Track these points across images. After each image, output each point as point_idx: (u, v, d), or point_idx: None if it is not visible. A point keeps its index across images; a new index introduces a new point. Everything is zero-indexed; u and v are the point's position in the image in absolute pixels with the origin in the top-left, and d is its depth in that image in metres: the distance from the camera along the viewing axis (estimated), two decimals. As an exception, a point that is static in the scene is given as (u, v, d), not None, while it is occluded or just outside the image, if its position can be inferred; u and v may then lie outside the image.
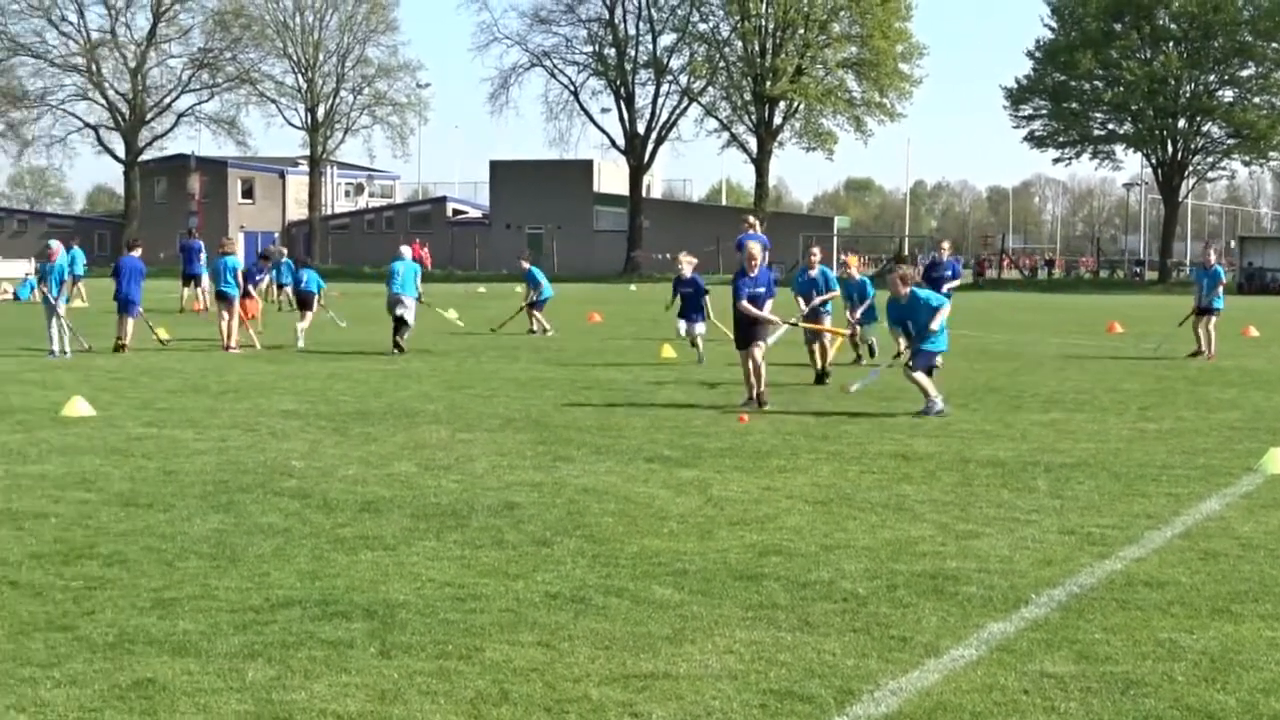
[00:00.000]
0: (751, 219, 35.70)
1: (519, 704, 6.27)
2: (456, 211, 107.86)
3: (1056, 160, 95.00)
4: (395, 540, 9.58)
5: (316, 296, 29.60)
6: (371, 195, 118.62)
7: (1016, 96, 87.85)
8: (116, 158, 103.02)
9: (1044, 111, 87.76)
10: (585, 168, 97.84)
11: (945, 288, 23.49)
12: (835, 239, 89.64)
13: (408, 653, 7.08)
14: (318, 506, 10.99)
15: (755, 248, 18.52)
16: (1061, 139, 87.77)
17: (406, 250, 29.64)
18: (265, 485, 11.90)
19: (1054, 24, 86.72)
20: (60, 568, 8.85)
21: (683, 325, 24.28)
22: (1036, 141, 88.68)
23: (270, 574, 8.71)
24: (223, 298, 27.83)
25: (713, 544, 9.72)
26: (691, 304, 24.31)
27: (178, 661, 6.90)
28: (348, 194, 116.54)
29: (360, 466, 12.95)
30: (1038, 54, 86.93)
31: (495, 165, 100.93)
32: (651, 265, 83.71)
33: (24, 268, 59.49)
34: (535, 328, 32.16)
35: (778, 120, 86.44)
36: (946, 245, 25.85)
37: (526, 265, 33.45)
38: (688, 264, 24.57)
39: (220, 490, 11.66)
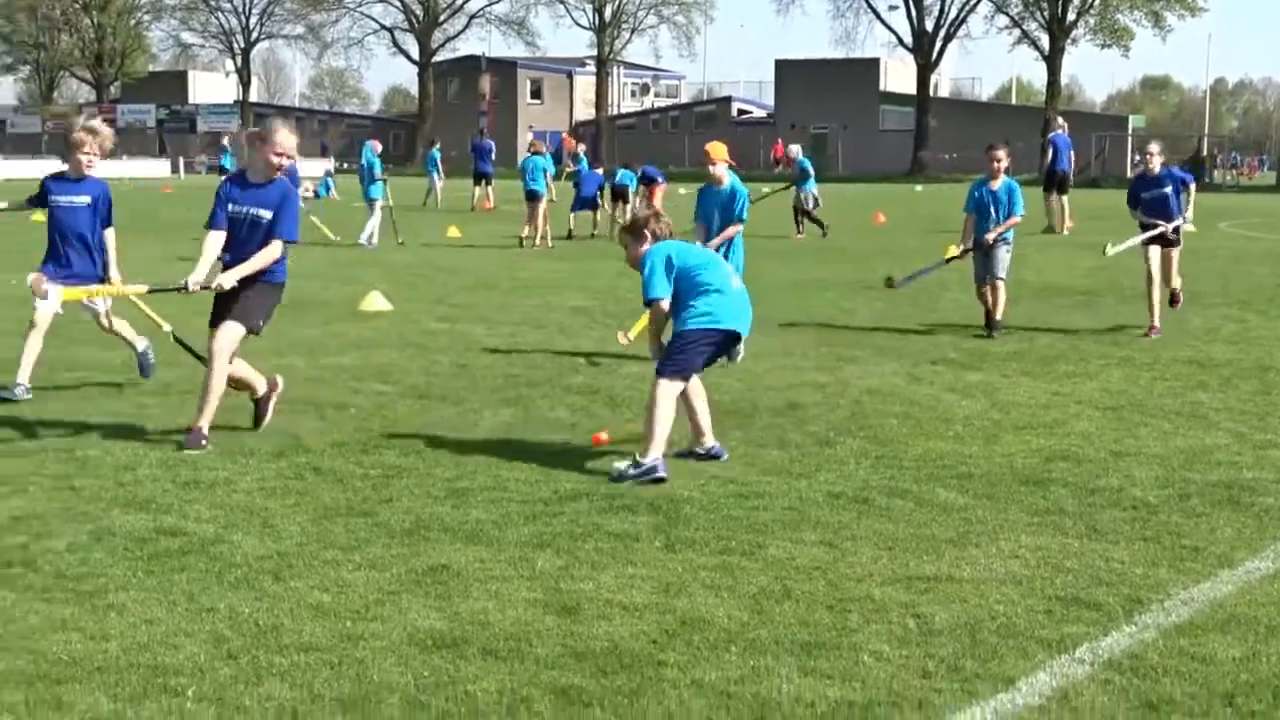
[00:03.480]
0: (1060, 119, 35.34)
1: (801, 601, 6.31)
2: (741, 111, 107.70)
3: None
4: (680, 436, 9.68)
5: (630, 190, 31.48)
6: (657, 95, 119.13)
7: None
8: (411, 59, 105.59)
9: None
10: (871, 66, 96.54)
11: (1180, 219, 15.72)
12: (1130, 139, 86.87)
13: (692, 547, 7.18)
14: (604, 402, 11.17)
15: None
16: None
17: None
18: (554, 381, 12.14)
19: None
20: (360, 456, 9.19)
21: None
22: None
23: (559, 467, 8.90)
24: (532, 196, 28.70)
25: (998, 448, 9.59)
26: None
27: (470, 549, 7.12)
28: (633, 94, 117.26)
29: (646, 363, 13.10)
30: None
31: (781, 64, 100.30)
32: (939, 166, 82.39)
33: (324, 166, 61.38)
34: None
35: (1071, 16, 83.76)
36: (1155, 149, 16.11)
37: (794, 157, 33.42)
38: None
39: (510, 385, 11.94)
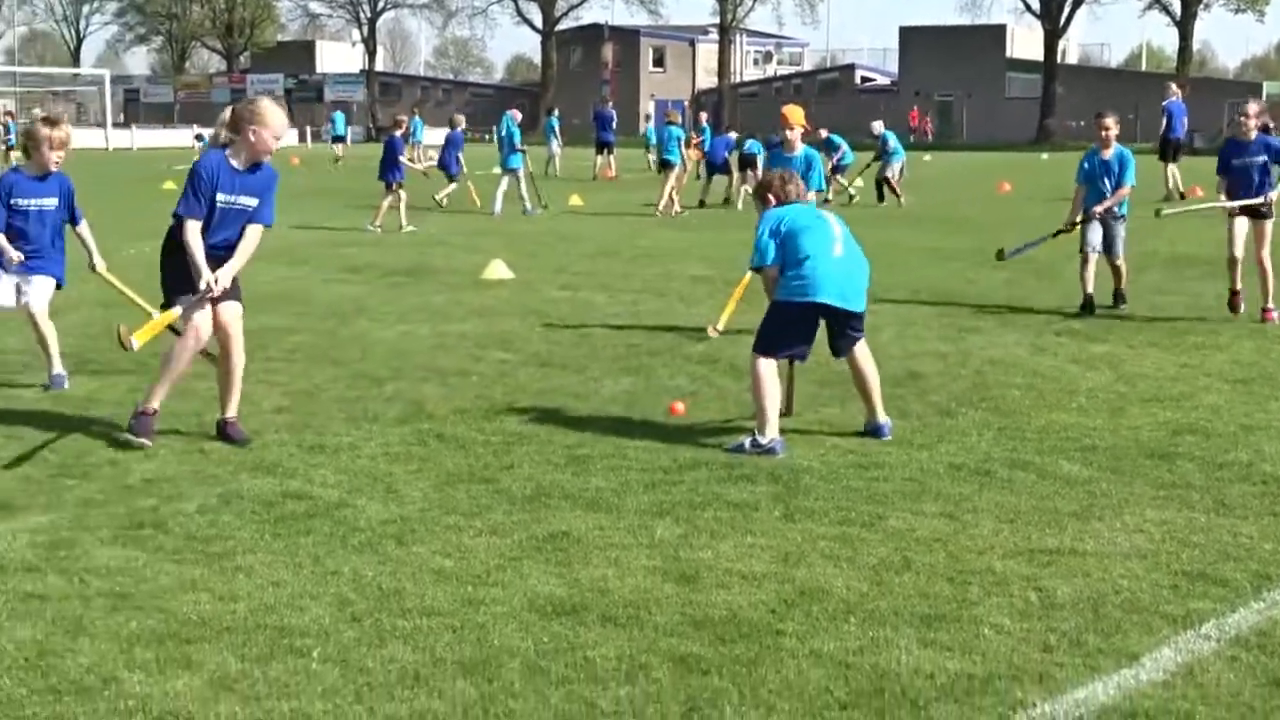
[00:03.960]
0: (1174, 85, 35.02)
1: (921, 572, 6.28)
2: (865, 79, 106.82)
3: None
4: (800, 406, 9.65)
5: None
6: (780, 63, 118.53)
7: None
8: (534, 28, 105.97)
9: None
10: (997, 33, 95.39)
11: (1271, 193, 13.98)
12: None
13: (811, 517, 7.16)
14: (725, 371, 11.17)
15: None
16: None
17: None
18: (674, 349, 12.15)
19: None
20: (481, 423, 9.27)
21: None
22: None
23: (679, 436, 8.92)
24: (666, 165, 29.25)
25: (1124, 420, 9.47)
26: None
27: (590, 516, 7.16)
28: (756, 62, 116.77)
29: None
30: None
31: (905, 31, 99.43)
32: (1066, 133, 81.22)
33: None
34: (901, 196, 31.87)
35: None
36: (1253, 110, 14.15)
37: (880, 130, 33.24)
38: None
39: (631, 353, 11.97)
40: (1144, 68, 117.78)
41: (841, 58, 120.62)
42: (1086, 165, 14.80)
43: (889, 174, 31.75)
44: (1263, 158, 13.98)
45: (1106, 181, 14.61)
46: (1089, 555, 6.54)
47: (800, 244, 8.69)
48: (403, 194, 25.19)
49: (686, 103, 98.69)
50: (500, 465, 8.18)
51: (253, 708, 4.82)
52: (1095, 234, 14.54)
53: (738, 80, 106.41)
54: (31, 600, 5.85)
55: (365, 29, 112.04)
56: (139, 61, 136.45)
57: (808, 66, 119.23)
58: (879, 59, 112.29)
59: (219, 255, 8.56)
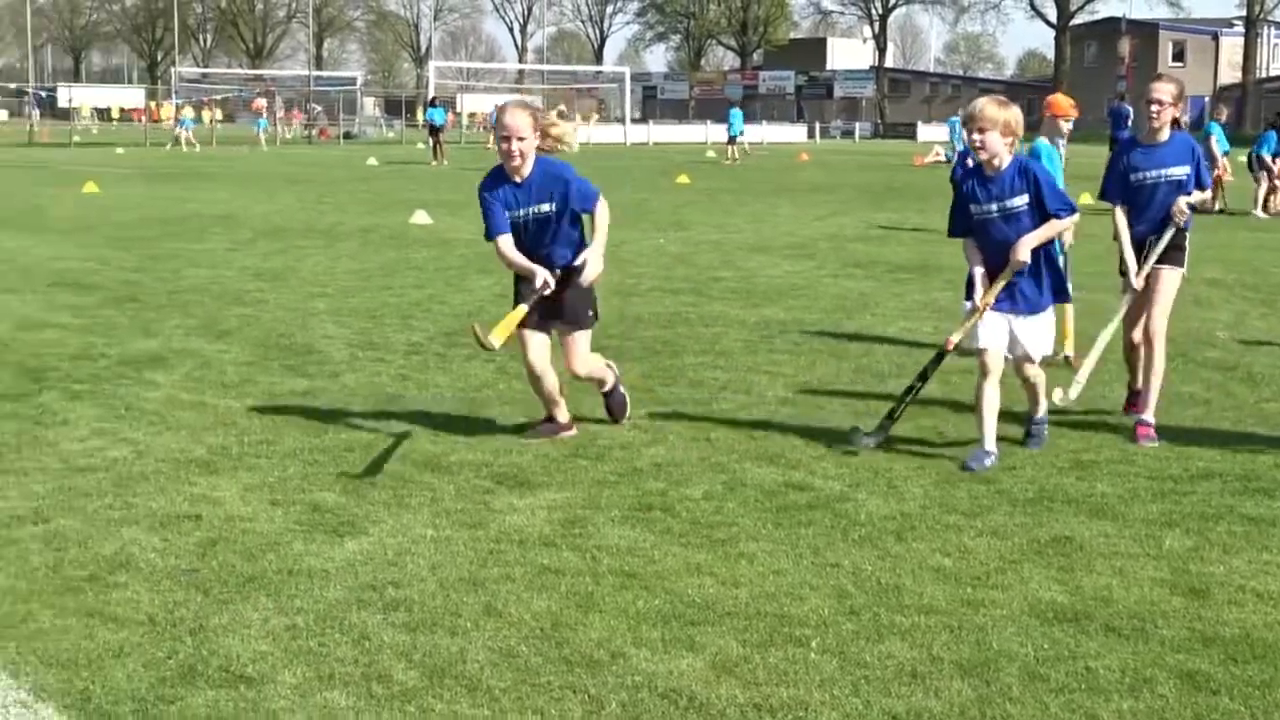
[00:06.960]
0: None
1: None
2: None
3: None
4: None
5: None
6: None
7: None
8: (1048, 22, 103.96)
9: None
10: None
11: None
12: None
13: (1334, 537, 6.77)
14: (1241, 379, 10.69)
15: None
16: None
17: None
18: (1187, 354, 11.69)
19: None
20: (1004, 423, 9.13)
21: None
22: None
23: (1191, 445, 8.59)
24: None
25: None
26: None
27: (1095, 523, 6.98)
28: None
29: (1289, 341, 12.44)
30: None
31: None
32: None
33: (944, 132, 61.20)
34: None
35: None
36: (1168, 92, 8.68)
37: None
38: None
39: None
40: None
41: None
42: None
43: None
44: (1186, 168, 8.85)
45: None
46: None
47: None
48: None
49: (1207, 98, 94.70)
50: (1002, 466, 8.07)
51: (752, 692, 4.93)
52: None
53: (1263, 75, 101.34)
54: (547, 574, 6.17)
55: (876, 25, 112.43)
56: (657, 59, 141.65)
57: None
58: None
59: (546, 263, 8.42)
